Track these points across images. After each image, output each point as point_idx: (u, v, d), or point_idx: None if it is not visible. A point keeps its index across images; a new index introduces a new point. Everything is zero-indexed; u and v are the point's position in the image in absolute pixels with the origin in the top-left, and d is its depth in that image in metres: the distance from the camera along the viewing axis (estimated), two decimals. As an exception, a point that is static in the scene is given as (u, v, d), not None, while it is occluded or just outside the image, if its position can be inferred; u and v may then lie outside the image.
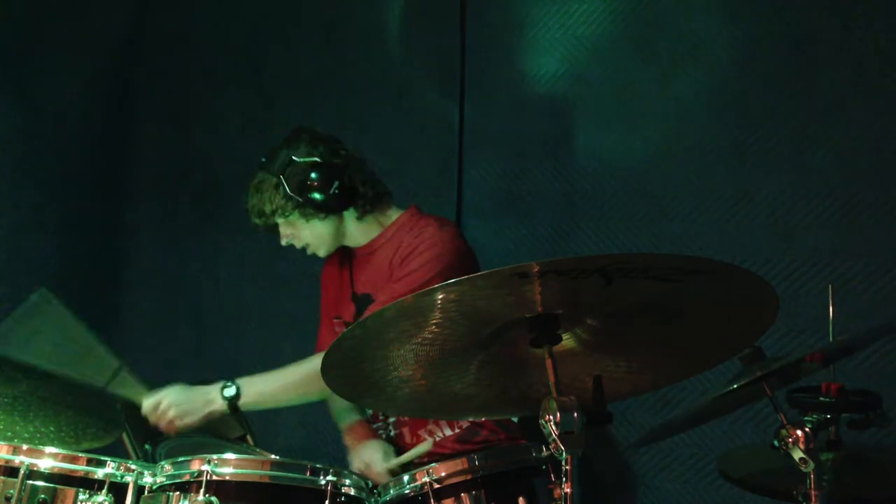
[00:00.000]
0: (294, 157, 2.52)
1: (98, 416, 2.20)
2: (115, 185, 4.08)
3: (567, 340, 1.72)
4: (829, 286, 2.25)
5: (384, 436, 2.62)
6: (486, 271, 1.49)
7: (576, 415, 1.52)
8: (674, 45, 3.08)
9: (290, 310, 3.69)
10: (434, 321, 1.62)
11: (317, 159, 2.51)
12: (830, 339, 2.18)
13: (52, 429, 2.07)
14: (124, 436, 2.59)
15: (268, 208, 2.54)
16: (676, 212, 3.04)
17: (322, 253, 2.66)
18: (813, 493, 1.76)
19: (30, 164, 3.77)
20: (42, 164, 3.81)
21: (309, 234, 2.60)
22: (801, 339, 2.78)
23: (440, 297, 1.55)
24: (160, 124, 4.06)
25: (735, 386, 1.89)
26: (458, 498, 1.94)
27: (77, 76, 3.90)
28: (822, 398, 2.03)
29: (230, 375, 3.68)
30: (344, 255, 2.73)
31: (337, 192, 2.52)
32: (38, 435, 2.04)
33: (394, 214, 2.67)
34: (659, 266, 1.50)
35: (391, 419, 2.61)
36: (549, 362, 1.59)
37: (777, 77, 2.93)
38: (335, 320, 2.73)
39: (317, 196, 2.50)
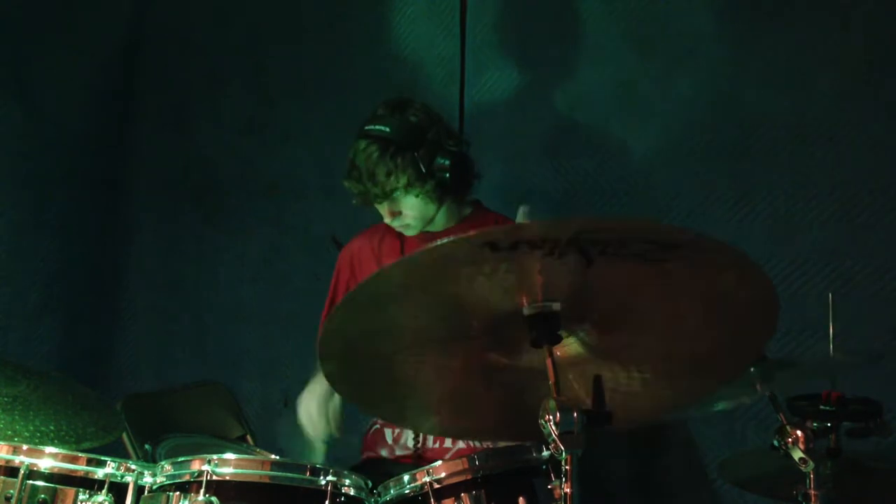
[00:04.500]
0: (429, 135, 2.49)
1: (98, 416, 2.20)
2: (115, 186, 4.08)
3: (570, 346, 1.71)
4: (830, 294, 2.25)
5: (405, 439, 2.64)
6: (454, 237, 1.46)
7: (576, 415, 1.52)
8: (674, 45, 3.08)
9: (290, 309, 3.70)
10: (431, 300, 1.60)
11: (451, 144, 2.51)
12: (831, 340, 2.17)
13: (52, 428, 2.07)
14: (124, 436, 2.59)
15: (399, 182, 2.47)
16: (676, 211, 3.04)
17: (413, 233, 2.62)
18: (813, 493, 1.76)
19: (30, 164, 3.77)
20: (42, 164, 3.81)
21: (419, 213, 2.56)
22: (801, 340, 2.78)
23: (436, 255, 1.52)
24: (160, 124, 4.06)
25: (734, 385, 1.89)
26: (458, 498, 1.94)
27: (77, 76, 3.90)
28: (822, 406, 2.02)
29: (230, 375, 3.70)
30: (390, 243, 2.70)
31: (470, 180, 2.56)
32: (38, 435, 2.03)
33: (468, 208, 2.69)
34: (634, 235, 1.46)
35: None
36: (549, 362, 1.59)
37: (777, 77, 2.93)
38: None
39: (453, 181, 2.49)
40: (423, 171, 2.47)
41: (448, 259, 1.51)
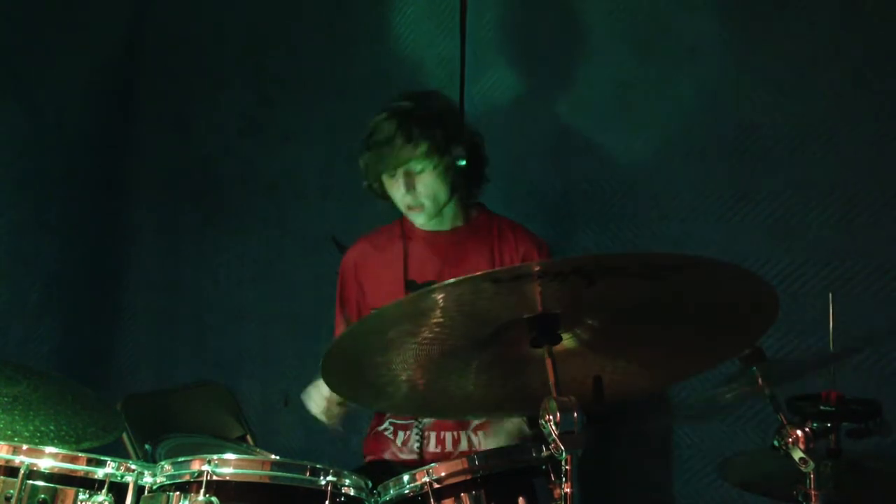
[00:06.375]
0: (449, 120, 2.59)
1: (98, 416, 2.20)
2: (115, 186, 4.08)
3: (567, 340, 1.73)
4: (830, 294, 2.25)
5: (412, 443, 2.65)
6: (482, 273, 1.52)
7: (576, 415, 1.52)
8: (674, 45, 3.07)
9: (291, 309, 3.70)
10: (434, 321, 1.64)
11: (469, 135, 2.63)
12: (830, 341, 2.17)
13: (52, 428, 2.06)
14: (124, 436, 2.59)
15: (418, 150, 2.53)
16: (676, 212, 3.04)
17: (421, 220, 2.65)
18: (813, 493, 1.76)
19: (30, 164, 3.77)
20: (42, 164, 3.81)
21: (432, 192, 2.59)
22: (800, 339, 2.78)
23: (441, 297, 1.57)
24: (160, 124, 4.06)
25: (735, 386, 1.90)
26: (458, 498, 1.93)
27: (77, 77, 3.90)
28: (822, 407, 2.02)
29: (230, 375, 3.70)
30: (393, 244, 2.72)
31: (482, 172, 2.68)
32: (38, 435, 2.03)
33: (474, 210, 2.72)
34: (636, 265, 1.52)
35: (418, 424, 2.64)
36: (548, 362, 1.60)
37: (777, 77, 2.93)
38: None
39: (468, 166, 2.58)
40: (441, 146, 2.54)
41: (451, 295, 1.56)
